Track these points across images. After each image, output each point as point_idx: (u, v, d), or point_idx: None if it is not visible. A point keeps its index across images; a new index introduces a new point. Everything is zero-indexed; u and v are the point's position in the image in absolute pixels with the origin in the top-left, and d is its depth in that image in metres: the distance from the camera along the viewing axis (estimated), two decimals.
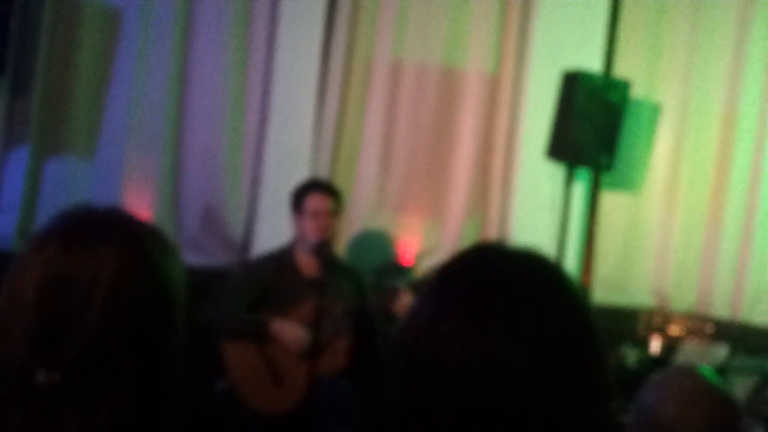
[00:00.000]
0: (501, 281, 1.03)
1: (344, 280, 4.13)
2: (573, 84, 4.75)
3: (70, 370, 1.14)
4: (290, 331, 3.93)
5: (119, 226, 1.22)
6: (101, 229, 1.20)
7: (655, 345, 4.45)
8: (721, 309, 4.88)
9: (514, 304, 1.01)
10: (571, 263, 4.87)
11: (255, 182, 4.98)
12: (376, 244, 4.93)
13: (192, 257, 4.73)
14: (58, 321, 1.15)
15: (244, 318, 3.99)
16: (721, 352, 4.34)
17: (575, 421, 1.00)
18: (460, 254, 1.09)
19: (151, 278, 1.19)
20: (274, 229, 4.60)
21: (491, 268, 1.05)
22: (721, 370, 4.26)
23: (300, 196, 4.13)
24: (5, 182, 4.71)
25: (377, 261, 4.81)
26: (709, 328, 4.52)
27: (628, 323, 4.70)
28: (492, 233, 5.00)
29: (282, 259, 4.14)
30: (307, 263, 4.09)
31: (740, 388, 4.04)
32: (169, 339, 1.21)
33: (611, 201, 5.10)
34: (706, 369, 1.79)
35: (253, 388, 3.94)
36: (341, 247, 4.81)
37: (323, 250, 3.99)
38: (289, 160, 4.91)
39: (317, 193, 4.13)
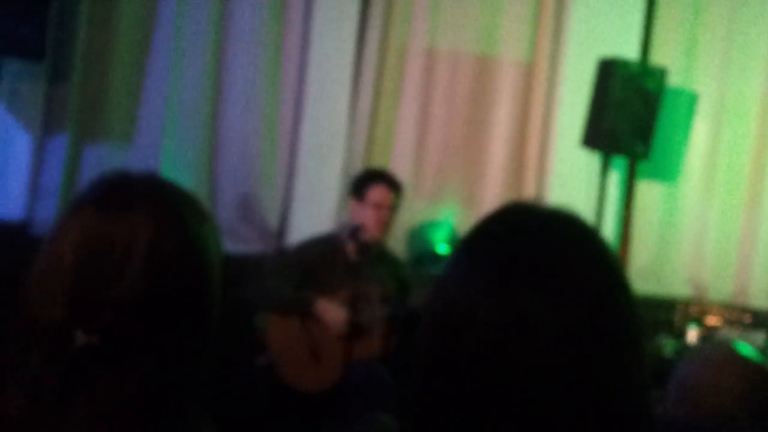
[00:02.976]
0: (530, 241, 1.02)
1: (384, 268, 4.16)
2: (609, 71, 4.71)
3: (108, 331, 1.15)
4: (332, 311, 3.97)
5: (154, 191, 1.23)
6: (136, 194, 1.22)
7: (692, 335, 4.41)
8: (758, 299, 4.83)
9: (544, 263, 1.00)
10: None
11: (290, 170, 5.00)
12: (409, 234, 4.93)
13: (228, 245, 4.76)
14: (96, 283, 1.16)
15: (291, 294, 4.04)
16: (758, 338, 4.30)
17: (608, 379, 0.99)
18: (490, 215, 1.07)
19: (186, 242, 1.20)
20: (310, 217, 4.63)
21: (521, 227, 1.04)
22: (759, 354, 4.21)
23: (364, 183, 4.14)
24: (45, 168, 4.77)
25: (410, 249, 4.82)
26: (746, 318, 4.48)
27: (665, 313, 4.67)
28: None
29: (331, 242, 4.18)
30: (353, 248, 4.10)
31: None
32: (204, 303, 1.22)
33: (647, 190, 5.06)
34: (741, 344, 1.78)
35: (291, 364, 4.00)
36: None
37: (358, 235, 4.01)
38: (324, 149, 4.93)
39: (383, 185, 4.14)
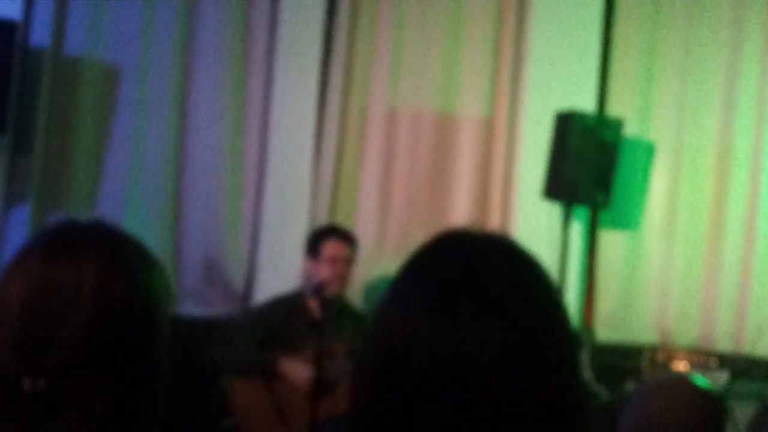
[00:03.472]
0: (466, 267, 1.03)
1: (349, 324, 4.15)
2: (566, 124, 4.79)
3: (55, 377, 1.15)
4: (296, 370, 3.96)
5: (101, 237, 1.25)
6: (83, 239, 1.23)
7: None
8: (724, 342, 4.86)
9: (480, 289, 1.01)
10: (571, 302, 4.87)
11: (255, 232, 5.01)
12: (375, 291, 4.94)
13: (193, 308, 4.75)
14: (42, 329, 1.17)
15: (254, 355, 4.03)
16: (722, 377, 4.32)
17: (549, 403, 1.00)
18: (424, 244, 1.08)
19: (133, 287, 1.21)
20: (275, 278, 4.62)
21: (456, 255, 1.05)
22: (723, 395, 4.23)
23: (318, 240, 4.17)
24: (7, 239, 4.75)
25: (372, 305, 4.82)
26: (713, 362, 4.50)
27: (632, 360, 4.68)
28: None
29: (293, 301, 4.19)
30: (316, 306, 4.11)
31: (741, 413, 4.01)
32: (152, 347, 1.23)
33: (610, 239, 5.11)
34: (698, 377, 1.80)
35: (257, 425, 3.97)
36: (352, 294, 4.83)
37: (321, 292, 4.01)
38: (288, 210, 4.95)
39: (336, 239, 4.17)
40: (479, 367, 0.98)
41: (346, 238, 4.23)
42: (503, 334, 0.99)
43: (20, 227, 4.77)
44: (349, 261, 4.15)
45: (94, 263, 1.19)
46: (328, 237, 4.17)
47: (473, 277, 1.02)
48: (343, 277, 4.11)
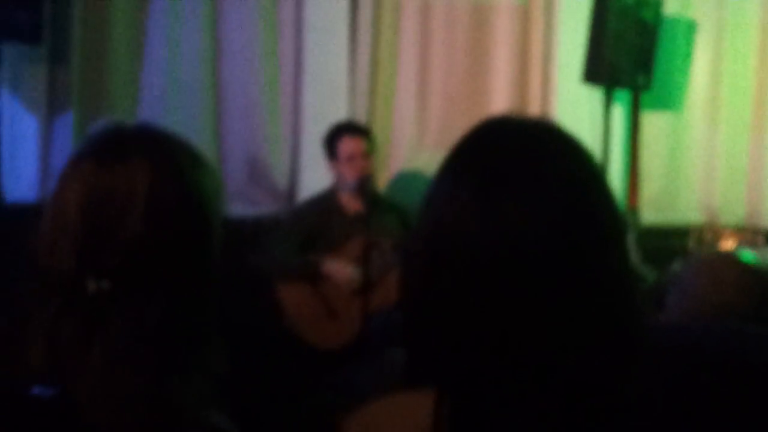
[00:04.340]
0: (511, 152, 1.04)
1: (389, 216, 4.19)
2: (604, 5, 4.70)
3: (117, 277, 1.19)
4: (340, 268, 4.01)
5: (149, 139, 1.27)
6: (132, 143, 1.26)
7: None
8: None
9: (525, 174, 1.02)
10: (616, 185, 4.86)
11: (295, 130, 5.03)
12: (416, 184, 4.96)
13: (239, 208, 4.82)
14: (101, 232, 1.20)
15: (296, 260, 4.08)
16: None
17: (598, 285, 1.01)
18: (468, 132, 1.09)
19: (184, 187, 1.24)
20: (318, 175, 4.65)
21: (500, 140, 1.06)
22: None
23: (333, 140, 4.17)
24: (53, 149, 4.83)
25: (419, 199, 4.84)
26: (760, 239, 4.48)
27: (678, 241, 4.68)
28: None
29: (326, 200, 4.22)
30: (350, 202, 4.15)
31: None
32: (206, 245, 1.26)
33: (652, 121, 5.06)
34: (744, 253, 1.81)
35: (309, 325, 4.04)
36: (382, 189, 4.86)
37: (365, 187, 4.04)
38: (327, 105, 4.95)
39: (349, 136, 4.16)
40: (527, 250, 0.99)
41: (359, 132, 4.20)
42: (550, 217, 1.00)
43: (64, 134, 4.83)
44: (367, 155, 4.14)
45: (144, 166, 1.22)
46: (341, 136, 4.16)
47: (518, 162, 1.03)
48: (365, 172, 4.09)
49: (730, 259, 1.77)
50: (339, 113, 4.84)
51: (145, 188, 1.21)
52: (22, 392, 1.17)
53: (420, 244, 1.06)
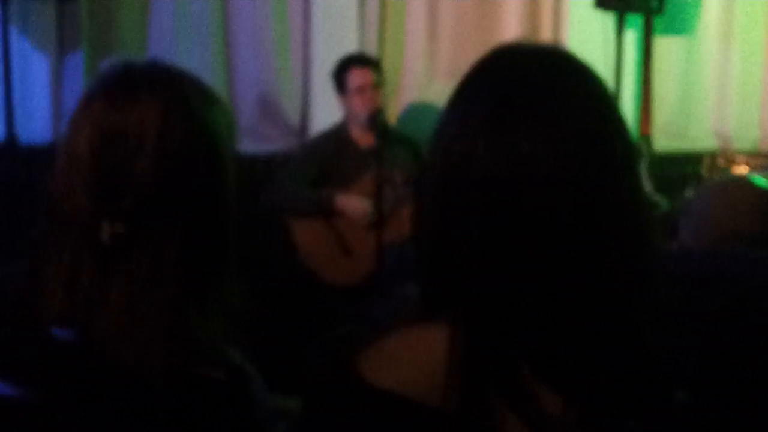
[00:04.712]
0: (522, 80, 1.03)
1: (401, 150, 4.17)
2: None
3: (131, 218, 1.20)
4: (353, 203, 4.02)
5: (159, 78, 1.27)
6: (143, 82, 1.25)
7: None
8: None
9: (537, 101, 1.01)
10: (628, 112, 4.82)
11: (305, 65, 4.99)
12: (430, 115, 4.93)
13: (251, 145, 4.82)
14: (114, 173, 1.21)
15: (308, 196, 4.08)
16: None
17: (610, 212, 1.01)
18: (479, 60, 1.08)
19: (195, 124, 1.24)
20: (330, 110, 4.63)
21: (511, 68, 1.05)
22: None
23: (341, 73, 4.14)
24: (65, 88, 4.82)
25: (430, 132, 4.82)
26: None
27: (691, 167, 4.66)
28: None
29: (337, 135, 4.20)
30: (362, 136, 4.14)
31: None
32: (219, 182, 1.26)
33: (665, 46, 4.99)
34: (757, 177, 1.80)
35: (324, 261, 4.06)
36: (393, 120, 4.84)
37: (376, 121, 4.02)
38: (337, 39, 4.90)
39: (357, 68, 4.13)
40: (539, 178, 0.98)
41: (368, 63, 4.17)
42: (562, 145, 0.99)
43: (75, 73, 4.82)
44: (376, 86, 4.11)
45: (154, 104, 1.22)
46: (349, 68, 4.13)
47: (529, 89, 1.02)
48: (375, 103, 4.07)
49: (743, 183, 1.77)
50: (349, 47, 4.80)
51: (156, 127, 1.21)
52: (43, 335, 1.19)
53: (431, 175, 1.05)
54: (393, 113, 4.90)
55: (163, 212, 1.21)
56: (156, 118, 1.21)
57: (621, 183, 1.03)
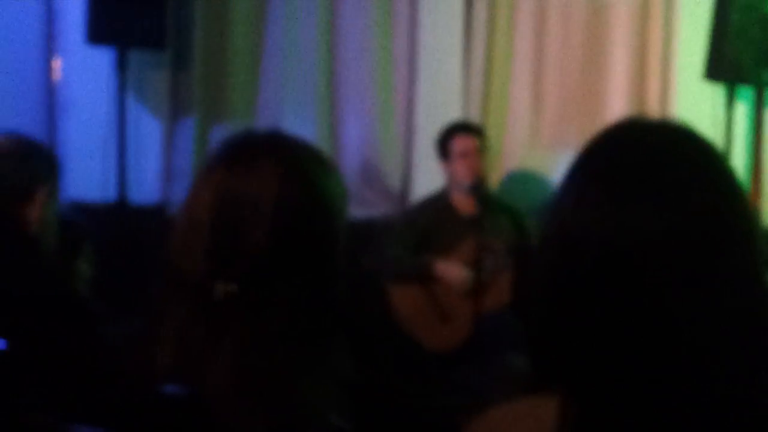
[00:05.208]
0: (643, 155, 1.01)
1: (502, 218, 4.17)
2: (726, 0, 4.57)
3: (245, 280, 1.23)
4: (453, 271, 4.01)
5: (278, 146, 1.30)
6: (262, 149, 1.29)
7: None
8: None
9: (657, 178, 0.99)
10: None
11: (409, 131, 5.05)
12: (531, 184, 4.92)
13: (353, 210, 4.87)
14: (230, 237, 1.24)
15: (408, 261, 4.10)
16: None
17: (734, 293, 0.99)
18: (602, 132, 1.07)
19: (312, 193, 1.26)
20: (431, 177, 4.67)
21: (633, 142, 1.04)
22: None
23: (445, 140, 4.19)
24: (175, 151, 4.98)
25: (533, 200, 4.81)
26: None
27: None
28: None
29: (439, 202, 4.22)
30: (463, 203, 4.15)
31: None
32: (331, 249, 1.28)
33: None
34: None
35: (421, 327, 4.05)
36: (495, 188, 4.84)
37: (479, 188, 4.03)
38: (441, 106, 4.95)
39: (462, 134, 4.17)
40: (662, 254, 0.97)
41: (472, 130, 4.22)
42: (684, 222, 0.98)
43: (186, 137, 4.98)
44: (480, 152, 4.14)
45: (273, 172, 1.25)
46: (453, 134, 4.18)
47: (649, 167, 1.01)
48: (478, 169, 4.10)
49: None
50: (453, 114, 4.84)
51: (274, 194, 1.24)
52: (156, 391, 1.21)
53: (546, 247, 1.05)
54: (495, 181, 4.90)
55: (276, 276, 1.23)
56: (273, 184, 1.24)
57: (745, 260, 1.01)
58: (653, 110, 4.94)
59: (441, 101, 4.97)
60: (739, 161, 4.80)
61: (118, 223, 4.71)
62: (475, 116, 4.94)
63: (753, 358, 1.00)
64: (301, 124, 5.01)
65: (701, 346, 0.98)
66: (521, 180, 4.93)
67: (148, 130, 4.98)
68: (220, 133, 4.96)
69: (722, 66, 4.60)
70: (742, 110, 4.85)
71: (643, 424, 0.97)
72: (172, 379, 1.22)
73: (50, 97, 4.93)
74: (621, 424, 0.97)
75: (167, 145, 4.97)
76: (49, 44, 4.88)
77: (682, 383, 0.97)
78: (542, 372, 1.05)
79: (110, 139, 4.79)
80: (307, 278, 1.24)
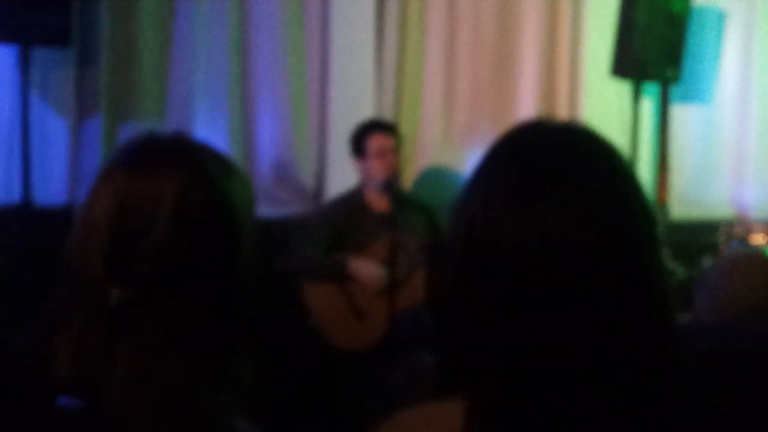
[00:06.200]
0: (548, 154, 1.03)
1: (415, 215, 4.18)
2: None
3: (143, 285, 1.19)
4: (367, 269, 4.01)
5: (180, 150, 1.27)
6: (164, 153, 1.26)
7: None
8: None
9: (562, 175, 1.01)
10: (645, 180, 4.82)
11: (322, 129, 5.03)
12: (445, 180, 4.95)
13: (267, 209, 4.83)
14: (128, 241, 1.20)
15: (322, 260, 4.08)
16: None
17: (631, 288, 1.01)
18: (506, 133, 1.09)
19: (213, 197, 1.24)
20: (345, 174, 4.65)
21: (537, 142, 1.06)
22: None
23: (361, 138, 4.18)
24: (82, 152, 4.86)
25: (447, 197, 4.84)
26: None
27: (708, 236, 4.64)
28: None
29: (352, 200, 4.22)
30: (377, 201, 4.15)
31: None
32: (234, 255, 1.25)
33: (682, 114, 5.01)
34: None
35: (336, 326, 4.05)
36: (408, 186, 4.85)
37: (392, 186, 4.04)
38: (354, 104, 4.95)
39: (378, 132, 4.17)
40: (565, 252, 0.98)
41: (388, 128, 4.23)
42: (587, 219, 1.00)
43: (93, 137, 4.87)
44: (395, 151, 4.16)
45: (173, 176, 1.22)
46: (369, 132, 4.18)
47: (553, 165, 1.03)
48: (393, 167, 4.12)
49: (759, 258, 1.75)
50: (366, 112, 4.84)
51: (173, 198, 1.21)
52: (49, 403, 1.17)
53: (453, 248, 1.05)
54: (408, 178, 4.91)
55: (176, 282, 1.20)
56: (174, 188, 1.21)
57: (644, 257, 1.03)
58: (562, 107, 5.02)
59: (354, 99, 4.96)
60: (646, 157, 4.91)
61: (23, 225, 4.58)
62: (387, 114, 4.95)
63: (652, 364, 1.01)
64: (213, 122, 4.95)
65: (604, 352, 0.99)
66: (435, 177, 4.96)
67: (53, 129, 4.86)
68: (129, 132, 4.86)
69: (629, 63, 4.69)
70: (649, 106, 4.96)
71: (547, 427, 0.97)
72: (70, 390, 1.18)
73: None
74: (525, 428, 0.97)
75: (74, 145, 4.85)
76: None
77: (586, 390, 0.98)
78: (450, 374, 1.04)
79: (14, 139, 4.65)
80: (209, 284, 1.21)
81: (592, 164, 1.03)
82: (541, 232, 0.98)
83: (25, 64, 4.57)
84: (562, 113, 5.02)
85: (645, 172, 4.88)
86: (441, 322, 1.07)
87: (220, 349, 1.22)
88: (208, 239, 1.22)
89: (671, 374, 1.02)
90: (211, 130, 4.92)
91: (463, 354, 1.03)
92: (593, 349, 0.98)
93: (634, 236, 1.02)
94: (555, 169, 1.02)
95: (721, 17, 5.00)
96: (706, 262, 4.48)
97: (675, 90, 4.94)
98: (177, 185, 1.21)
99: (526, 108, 5.05)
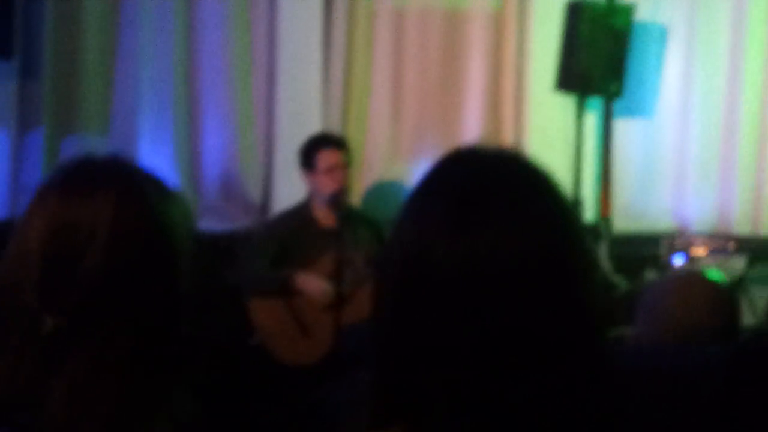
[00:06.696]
0: (480, 180, 1.04)
1: (363, 230, 4.18)
2: (577, 13, 4.73)
3: (76, 313, 1.17)
4: (313, 284, 3.99)
5: (116, 172, 1.25)
6: (99, 177, 1.24)
7: (678, 265, 4.46)
8: (741, 225, 4.88)
9: (493, 201, 1.02)
10: (588, 194, 4.88)
11: (269, 142, 5.01)
12: (393, 195, 4.96)
13: (213, 224, 4.80)
14: (61, 267, 1.18)
15: (268, 275, 4.06)
16: (739, 263, 4.35)
17: (562, 312, 1.01)
18: (440, 159, 1.09)
19: (150, 221, 1.22)
20: (292, 188, 4.64)
21: (468, 170, 1.06)
22: (741, 280, 4.28)
23: (310, 153, 4.14)
24: (24, 165, 4.79)
25: (394, 212, 4.83)
26: (731, 246, 4.52)
27: (650, 249, 4.71)
28: None
29: (299, 214, 4.19)
30: (324, 216, 4.14)
31: (760, 297, 4.05)
32: (171, 279, 1.24)
33: (625, 128, 5.08)
34: (711, 271, 1.82)
35: (281, 341, 4.02)
36: (356, 199, 4.85)
37: (339, 201, 4.03)
38: (301, 117, 4.93)
39: (328, 148, 4.14)
40: (496, 280, 0.99)
41: (338, 144, 4.20)
42: (519, 244, 1.00)
43: (35, 150, 4.79)
44: (345, 166, 4.14)
45: (108, 199, 1.20)
46: (320, 147, 4.14)
47: (483, 190, 1.04)
48: (343, 184, 4.10)
49: (698, 278, 1.78)
50: (313, 125, 4.83)
51: (108, 222, 1.19)
52: None
53: (389, 267, 1.06)
54: (356, 192, 4.91)
55: (111, 309, 1.18)
56: (109, 213, 1.19)
57: (577, 286, 1.04)
58: (508, 120, 5.07)
59: (301, 113, 4.95)
60: (589, 170, 4.97)
61: None
62: (334, 127, 4.95)
63: (591, 381, 1.02)
64: (158, 136, 4.90)
65: (545, 372, 0.99)
66: (383, 191, 4.96)
67: None
68: (71, 145, 4.79)
69: (573, 77, 4.76)
70: (592, 120, 5.02)
71: None
72: (4, 419, 1.16)
73: None
74: None
75: (15, 158, 4.77)
76: None
77: (530, 413, 0.98)
78: (385, 404, 1.04)
79: None
80: (144, 310, 1.20)
81: (526, 189, 1.05)
82: (471, 260, 0.99)
83: None
84: (507, 127, 5.07)
85: (588, 186, 4.94)
86: (378, 340, 1.07)
87: (156, 377, 1.20)
88: (144, 264, 1.21)
89: (602, 398, 1.03)
90: (155, 143, 4.87)
91: (397, 383, 1.03)
92: (530, 375, 0.99)
93: (566, 265, 1.03)
94: (486, 196, 1.03)
95: (662, 33, 5.08)
96: (649, 274, 4.54)
97: (618, 104, 5.01)
98: (112, 209, 1.20)
99: (472, 121, 5.09)
